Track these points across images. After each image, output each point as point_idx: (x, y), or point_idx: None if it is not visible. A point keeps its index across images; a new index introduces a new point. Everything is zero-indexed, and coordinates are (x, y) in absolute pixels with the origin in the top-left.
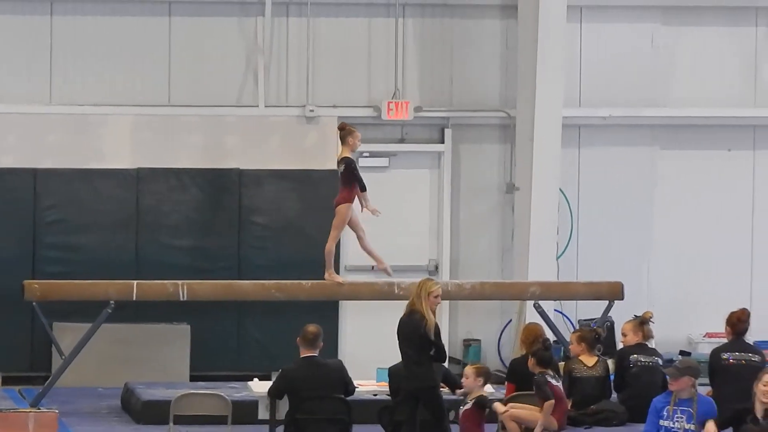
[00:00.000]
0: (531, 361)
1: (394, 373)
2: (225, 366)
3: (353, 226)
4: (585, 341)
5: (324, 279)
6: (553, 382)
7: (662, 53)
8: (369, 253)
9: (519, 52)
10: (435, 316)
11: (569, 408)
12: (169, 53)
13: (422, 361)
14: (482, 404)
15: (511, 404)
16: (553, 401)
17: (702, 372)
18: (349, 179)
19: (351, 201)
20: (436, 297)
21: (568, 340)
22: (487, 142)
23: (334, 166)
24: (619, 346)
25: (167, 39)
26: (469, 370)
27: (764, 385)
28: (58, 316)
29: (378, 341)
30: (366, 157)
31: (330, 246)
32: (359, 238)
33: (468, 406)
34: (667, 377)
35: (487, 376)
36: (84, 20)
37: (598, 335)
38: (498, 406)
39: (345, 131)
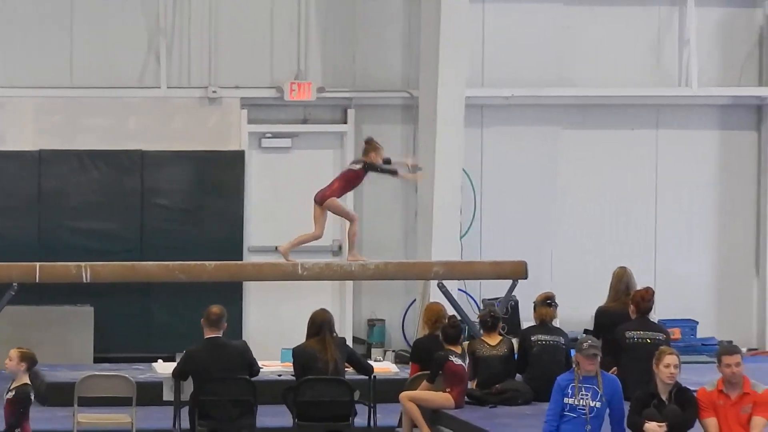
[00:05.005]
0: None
1: (298, 353)
2: (129, 347)
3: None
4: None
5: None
6: (456, 360)
7: (565, 33)
8: (350, 239)
9: (422, 32)
10: None
11: (474, 387)
12: (71, 35)
13: None
14: None
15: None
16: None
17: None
18: (351, 183)
19: (338, 196)
20: None
21: (472, 319)
22: (390, 122)
23: (237, 147)
24: (524, 325)
25: (69, 20)
26: None
27: (666, 367)
28: None
29: (282, 322)
30: (268, 138)
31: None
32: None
33: None
34: (582, 357)
35: None
36: None
37: (493, 314)
38: None
39: (370, 146)
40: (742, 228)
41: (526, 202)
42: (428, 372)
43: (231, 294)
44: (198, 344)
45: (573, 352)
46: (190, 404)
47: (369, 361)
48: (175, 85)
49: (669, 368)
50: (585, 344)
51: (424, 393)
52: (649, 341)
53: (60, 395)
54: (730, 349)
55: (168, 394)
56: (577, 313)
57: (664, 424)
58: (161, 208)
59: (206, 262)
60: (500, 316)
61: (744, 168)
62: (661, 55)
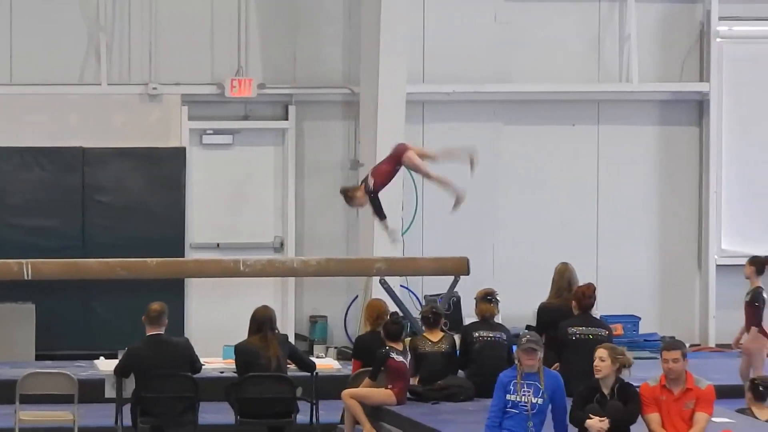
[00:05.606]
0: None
1: (240, 350)
2: (71, 345)
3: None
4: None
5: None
6: (398, 357)
7: (506, 29)
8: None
9: (362, 29)
10: None
11: (417, 384)
12: (11, 32)
13: None
14: None
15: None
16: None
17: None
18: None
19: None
20: None
21: (414, 315)
22: (331, 118)
23: (177, 143)
24: (466, 321)
25: (8, 17)
26: None
27: (594, 360)
28: None
29: (224, 318)
30: (209, 134)
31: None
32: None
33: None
34: (521, 352)
35: None
36: None
37: (435, 310)
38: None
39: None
40: (684, 223)
41: (468, 199)
42: (370, 369)
43: (173, 291)
44: (140, 341)
45: (515, 348)
46: (132, 401)
47: (311, 358)
48: (116, 81)
49: (594, 361)
50: (524, 339)
51: (366, 390)
52: (591, 337)
53: (1, 393)
54: (669, 344)
55: (110, 392)
56: (519, 309)
57: (606, 419)
58: (103, 205)
59: (148, 259)
60: (442, 312)
61: (685, 163)
62: (601, 51)
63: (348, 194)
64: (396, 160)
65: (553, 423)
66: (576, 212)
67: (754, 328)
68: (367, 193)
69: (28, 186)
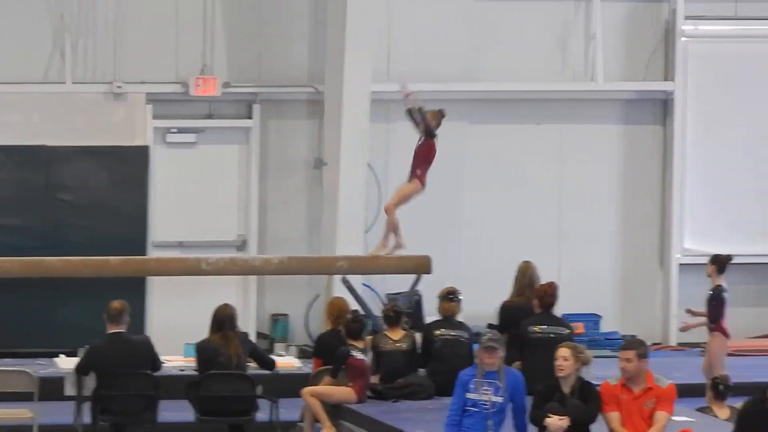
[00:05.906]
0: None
1: (201, 348)
2: (32, 343)
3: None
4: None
5: None
6: (358, 355)
7: (471, 27)
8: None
9: (328, 27)
10: None
11: (377, 382)
12: None
13: None
14: None
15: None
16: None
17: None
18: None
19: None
20: None
21: (377, 314)
22: (296, 117)
23: (142, 142)
24: (427, 319)
25: None
26: None
27: (555, 360)
28: None
29: (185, 317)
30: (174, 133)
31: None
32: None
33: None
34: (481, 350)
35: None
36: None
37: (396, 309)
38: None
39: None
40: (647, 222)
41: (432, 197)
42: (331, 367)
43: (135, 289)
44: (101, 339)
45: (476, 346)
46: (93, 399)
47: (272, 356)
48: (80, 80)
49: (557, 360)
50: (484, 338)
51: (326, 388)
52: (552, 336)
53: None
54: (625, 344)
55: (70, 389)
56: (481, 308)
57: (566, 418)
58: (66, 203)
59: (109, 258)
60: (403, 310)
61: (649, 162)
62: (566, 50)
63: (443, 115)
64: (425, 166)
65: (513, 422)
66: (539, 211)
67: (711, 324)
68: (432, 128)
69: None
